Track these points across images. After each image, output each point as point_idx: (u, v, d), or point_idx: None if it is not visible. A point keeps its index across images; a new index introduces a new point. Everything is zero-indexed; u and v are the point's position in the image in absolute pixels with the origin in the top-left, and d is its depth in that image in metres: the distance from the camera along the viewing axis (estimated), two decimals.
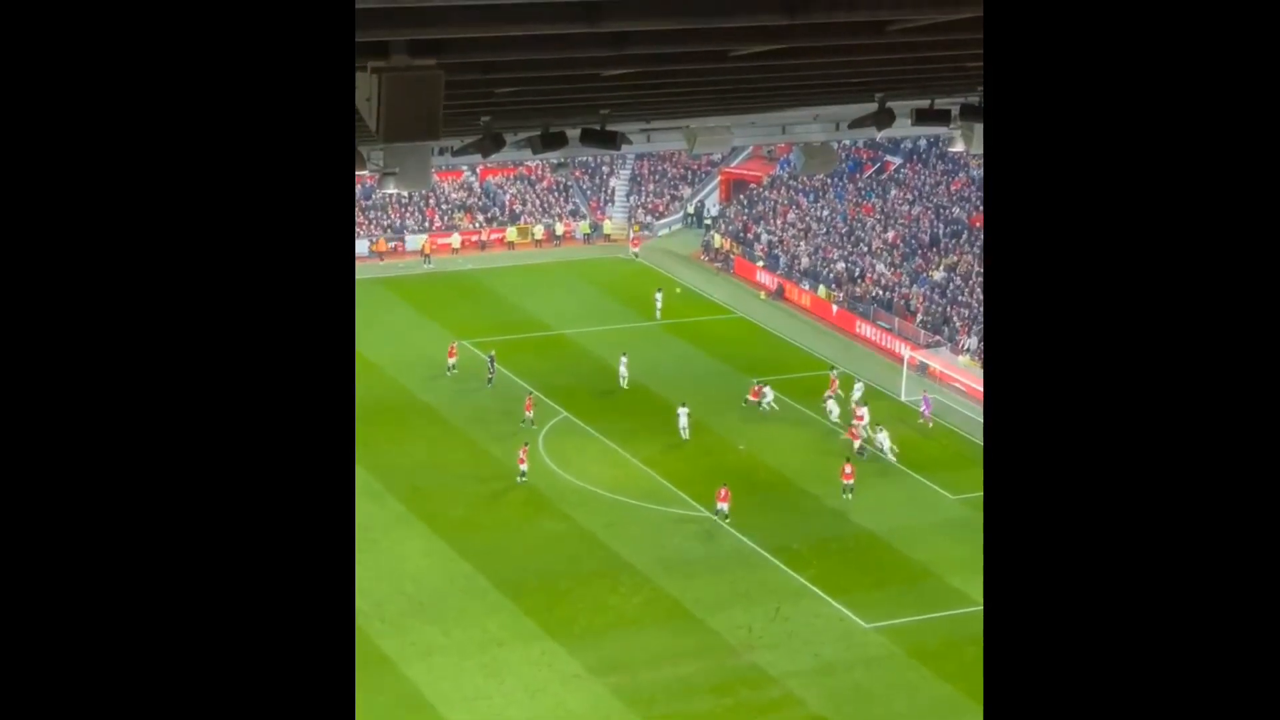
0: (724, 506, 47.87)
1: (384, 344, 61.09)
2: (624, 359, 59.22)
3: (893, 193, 76.57)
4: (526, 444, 50.89)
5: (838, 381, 57.94)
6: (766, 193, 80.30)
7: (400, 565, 44.42)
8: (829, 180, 77.47)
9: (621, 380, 58.54)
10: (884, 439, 53.24)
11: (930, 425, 55.67)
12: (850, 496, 49.40)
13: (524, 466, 49.91)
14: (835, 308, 68.14)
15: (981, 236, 70.24)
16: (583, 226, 79.83)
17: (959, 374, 59.75)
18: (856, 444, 53.27)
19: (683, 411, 54.41)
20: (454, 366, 59.23)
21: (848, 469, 49.95)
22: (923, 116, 24.99)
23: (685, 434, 53.95)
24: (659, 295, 67.41)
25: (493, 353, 59.15)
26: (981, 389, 57.16)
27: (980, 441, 54.64)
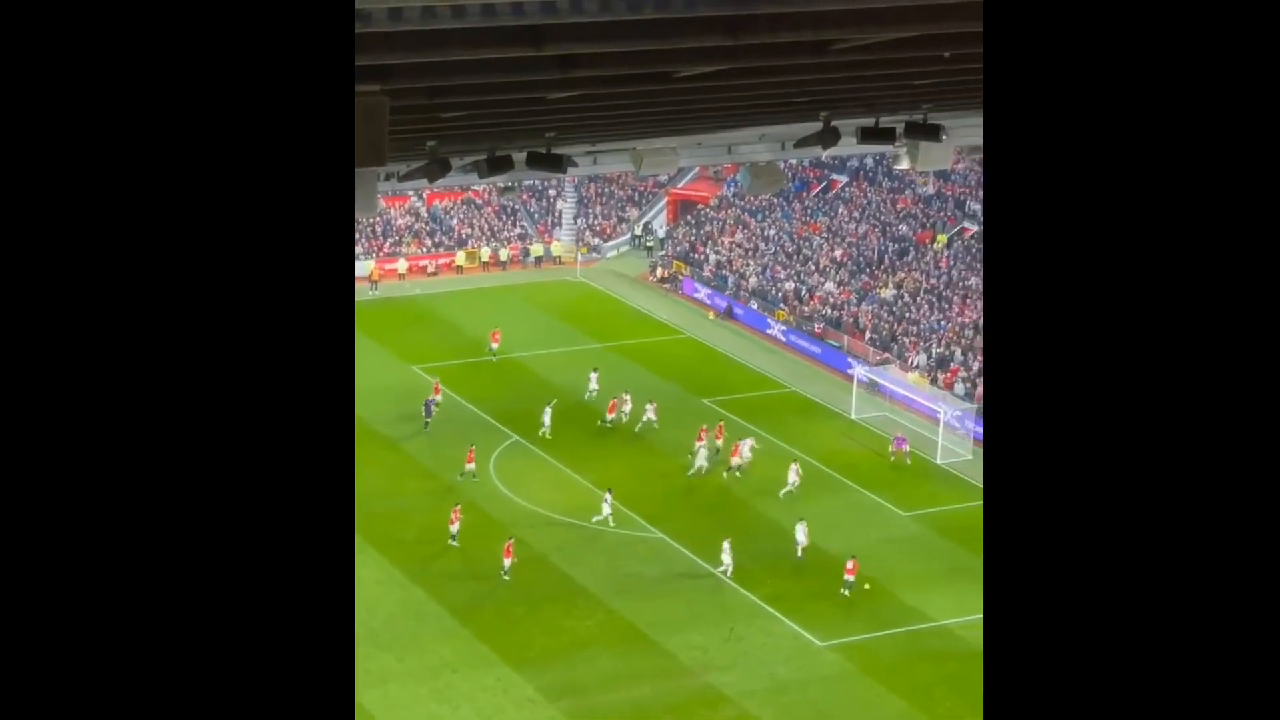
0: (508, 562, 45.32)
1: None
2: (594, 374, 59.89)
3: (840, 211, 76.86)
4: (458, 504, 48.37)
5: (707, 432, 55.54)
6: (714, 213, 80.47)
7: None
8: (776, 199, 77.69)
9: (590, 394, 58.86)
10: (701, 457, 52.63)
11: (908, 461, 54.84)
12: (847, 592, 45.28)
13: (454, 528, 47.10)
14: (783, 331, 68.22)
15: (928, 254, 70.57)
16: (535, 250, 79.74)
17: (908, 391, 59.91)
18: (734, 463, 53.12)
19: (649, 407, 56.51)
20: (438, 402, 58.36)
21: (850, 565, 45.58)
22: (868, 135, 25.09)
23: (648, 424, 56.21)
24: (494, 344, 64.83)
25: (429, 398, 57.84)
26: (929, 406, 57.42)
27: (929, 458, 54.90)
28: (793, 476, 51.80)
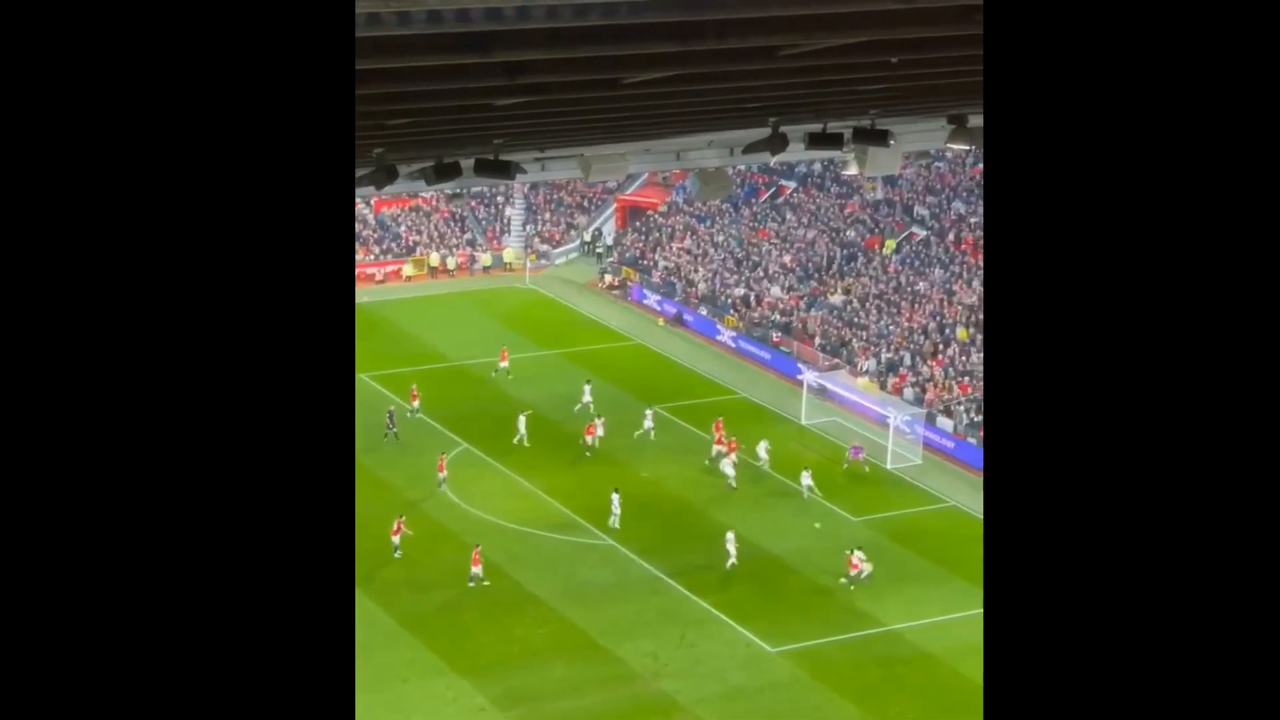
0: (477, 570, 45.25)
1: None
2: (587, 386, 59.35)
3: (788, 216, 76.98)
4: (402, 515, 47.83)
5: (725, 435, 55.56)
6: (663, 219, 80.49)
7: None
8: (725, 205, 77.77)
9: (586, 404, 58.23)
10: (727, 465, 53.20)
11: (866, 469, 54.63)
12: (853, 587, 45.60)
13: (396, 539, 46.60)
14: (732, 337, 68.26)
15: (876, 259, 70.77)
16: (484, 259, 79.50)
17: (858, 396, 60.02)
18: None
19: (649, 413, 56.29)
20: (418, 409, 58.38)
21: (855, 558, 45.91)
22: (816, 140, 25.14)
23: (650, 435, 55.86)
24: (504, 363, 64.09)
25: (392, 408, 57.37)
26: (879, 411, 57.55)
27: (879, 463, 55.01)
28: (806, 480, 52.03)
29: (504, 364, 63.38)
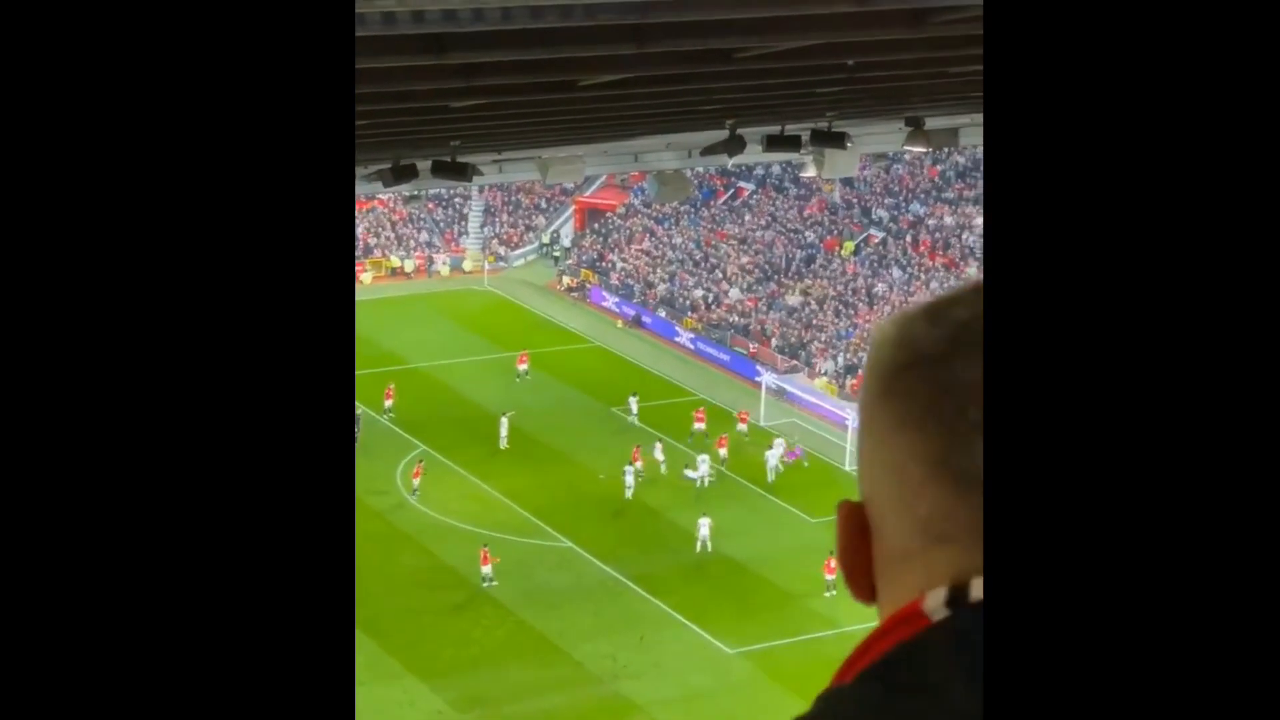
0: (487, 570, 45.20)
1: None
2: (633, 399, 58.67)
3: (747, 218, 77.09)
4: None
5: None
6: (621, 221, 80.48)
7: None
8: (683, 207, 77.78)
9: (632, 418, 57.78)
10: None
11: (806, 464, 54.72)
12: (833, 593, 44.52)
13: None
14: (691, 339, 68.31)
15: (835, 260, 70.94)
16: (442, 261, 79.33)
17: (816, 398, 60.13)
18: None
19: (704, 458, 53.62)
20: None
21: (831, 563, 45.07)
22: (773, 142, 25.19)
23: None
24: (522, 365, 64.40)
25: (360, 411, 56.88)
26: (837, 413, 57.64)
27: (838, 464, 55.10)
28: (774, 460, 52.81)
29: (522, 366, 62.86)
